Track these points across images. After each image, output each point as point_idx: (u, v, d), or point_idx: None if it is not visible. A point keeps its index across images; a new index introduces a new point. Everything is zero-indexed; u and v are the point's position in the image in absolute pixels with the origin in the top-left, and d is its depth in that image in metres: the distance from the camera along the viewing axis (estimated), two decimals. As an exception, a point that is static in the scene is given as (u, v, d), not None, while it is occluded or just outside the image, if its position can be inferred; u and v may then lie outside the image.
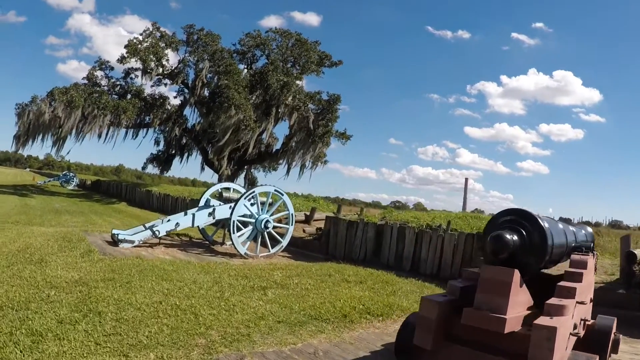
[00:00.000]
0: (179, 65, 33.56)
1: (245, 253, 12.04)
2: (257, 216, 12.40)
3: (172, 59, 33.63)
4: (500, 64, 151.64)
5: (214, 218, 12.43)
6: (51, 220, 16.69)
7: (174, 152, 38.72)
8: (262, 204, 12.58)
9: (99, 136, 30.80)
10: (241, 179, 39.67)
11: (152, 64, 31.73)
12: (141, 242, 11.29)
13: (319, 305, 7.10)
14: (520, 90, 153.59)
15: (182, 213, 12.71)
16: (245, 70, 33.98)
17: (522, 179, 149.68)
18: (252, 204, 12.48)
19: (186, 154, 38.67)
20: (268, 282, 8.44)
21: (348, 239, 13.73)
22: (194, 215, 12.07)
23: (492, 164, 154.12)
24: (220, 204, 12.68)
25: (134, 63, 32.30)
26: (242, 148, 33.32)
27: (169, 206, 24.98)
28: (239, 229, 12.14)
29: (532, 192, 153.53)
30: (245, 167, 38.80)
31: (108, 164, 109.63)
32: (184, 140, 37.85)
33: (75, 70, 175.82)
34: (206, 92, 33.47)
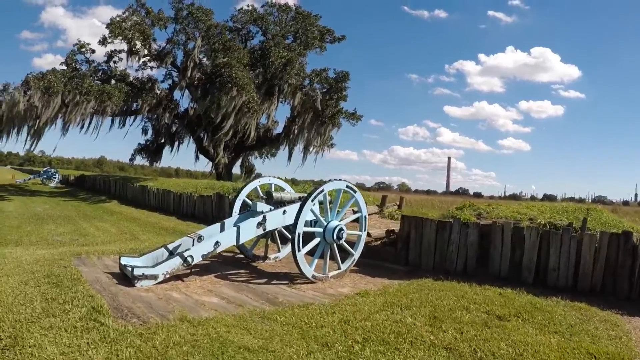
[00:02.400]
0: (167, 45, 29.13)
1: (312, 276, 8.23)
2: (325, 223, 8.55)
3: (158, 38, 29.41)
4: (478, 43, 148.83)
5: (264, 229, 8.52)
6: (30, 235, 12.53)
7: (163, 141, 34.39)
8: (330, 203, 8.78)
9: (82, 127, 26.36)
10: (237, 167, 35.74)
11: (139, 44, 27.23)
12: (167, 276, 7.26)
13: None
14: (498, 68, 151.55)
15: (217, 225, 8.77)
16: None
17: (504, 156, 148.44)
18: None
19: (177, 143, 34.34)
20: (427, 346, 4.70)
21: (439, 245, 9.99)
22: (238, 228, 8.10)
23: (473, 142, 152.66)
24: (271, 209, 8.75)
25: (118, 44, 27.84)
26: (241, 133, 29.26)
27: (170, 204, 20.66)
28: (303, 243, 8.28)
29: (513, 170, 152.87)
30: (242, 154, 34.71)
31: (89, 156, 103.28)
32: (174, 128, 33.55)
33: (50, 64, 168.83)
34: (197, 74, 29.00)
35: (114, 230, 14.45)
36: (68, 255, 8.47)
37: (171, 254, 7.80)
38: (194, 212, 18.56)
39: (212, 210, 17.34)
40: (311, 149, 31.15)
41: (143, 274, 6.83)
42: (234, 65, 24.79)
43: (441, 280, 8.50)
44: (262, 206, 8.89)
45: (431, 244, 10.13)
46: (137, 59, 27.84)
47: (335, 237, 8.62)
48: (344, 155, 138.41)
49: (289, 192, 9.63)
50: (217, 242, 7.72)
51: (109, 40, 27.13)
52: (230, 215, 9.63)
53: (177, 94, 30.46)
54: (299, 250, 8.00)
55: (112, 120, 29.47)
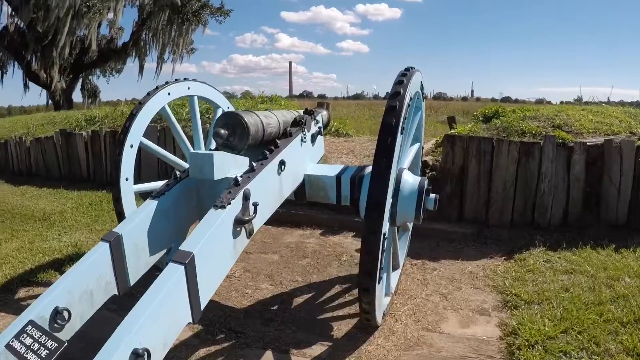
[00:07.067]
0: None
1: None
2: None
3: None
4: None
5: (249, 234, 2.70)
6: None
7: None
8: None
9: None
10: (77, 92, 28.11)
11: None
12: None
13: None
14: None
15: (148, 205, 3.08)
16: None
17: (343, 58, 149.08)
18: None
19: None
20: None
21: (520, 183, 5.51)
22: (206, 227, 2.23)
23: (312, 46, 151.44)
24: (252, 165, 2.91)
25: None
26: (78, 48, 21.95)
27: (9, 160, 12.73)
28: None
29: (354, 71, 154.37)
30: (81, 74, 27.08)
31: None
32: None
33: None
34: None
35: None
36: None
37: (60, 343, 1.89)
38: (31, 168, 11.23)
39: (59, 162, 10.40)
40: (167, 56, 25.17)
41: None
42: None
43: (596, 250, 4.72)
44: (224, 159, 2.99)
45: (509, 183, 5.53)
46: None
47: (420, 212, 3.27)
48: (182, 69, 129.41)
49: (267, 112, 3.67)
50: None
51: None
52: (117, 179, 3.74)
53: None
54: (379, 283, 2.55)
55: None
